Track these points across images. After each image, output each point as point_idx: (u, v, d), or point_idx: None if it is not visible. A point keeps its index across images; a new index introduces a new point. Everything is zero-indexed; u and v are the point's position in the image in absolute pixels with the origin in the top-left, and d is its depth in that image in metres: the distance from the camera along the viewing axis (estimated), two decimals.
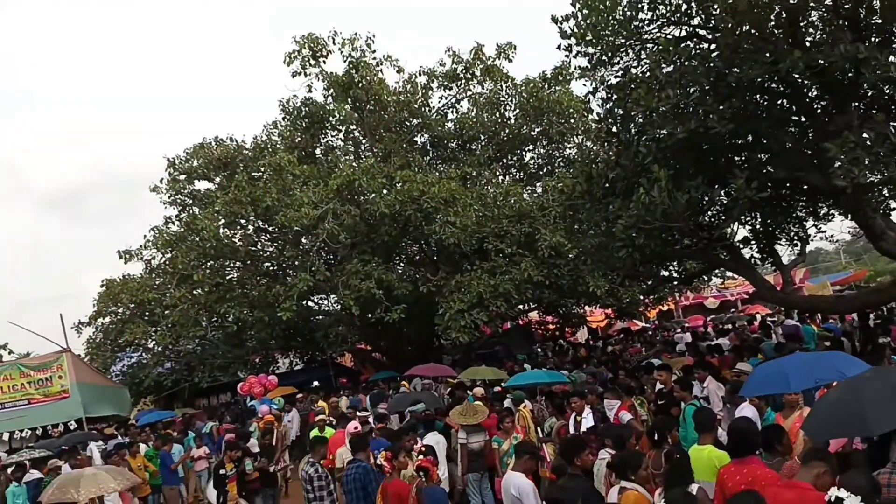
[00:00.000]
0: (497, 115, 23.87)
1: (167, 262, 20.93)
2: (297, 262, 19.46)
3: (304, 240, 19.97)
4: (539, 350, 26.30)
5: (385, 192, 18.94)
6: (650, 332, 24.52)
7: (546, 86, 22.80)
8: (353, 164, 19.87)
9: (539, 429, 10.41)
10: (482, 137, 24.10)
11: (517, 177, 24.69)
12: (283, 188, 19.30)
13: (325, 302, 23.00)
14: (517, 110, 23.63)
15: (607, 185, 10.75)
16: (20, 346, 36.04)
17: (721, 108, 8.82)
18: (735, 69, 8.63)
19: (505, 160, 24.66)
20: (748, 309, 29.30)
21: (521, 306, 21.08)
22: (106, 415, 22.08)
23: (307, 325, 22.85)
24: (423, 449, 8.35)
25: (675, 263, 16.01)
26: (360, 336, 23.36)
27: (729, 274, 22.38)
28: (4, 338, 37.19)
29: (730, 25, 8.36)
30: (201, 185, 24.39)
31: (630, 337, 23.83)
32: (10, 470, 14.66)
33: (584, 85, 12.16)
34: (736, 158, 10.65)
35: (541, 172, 24.97)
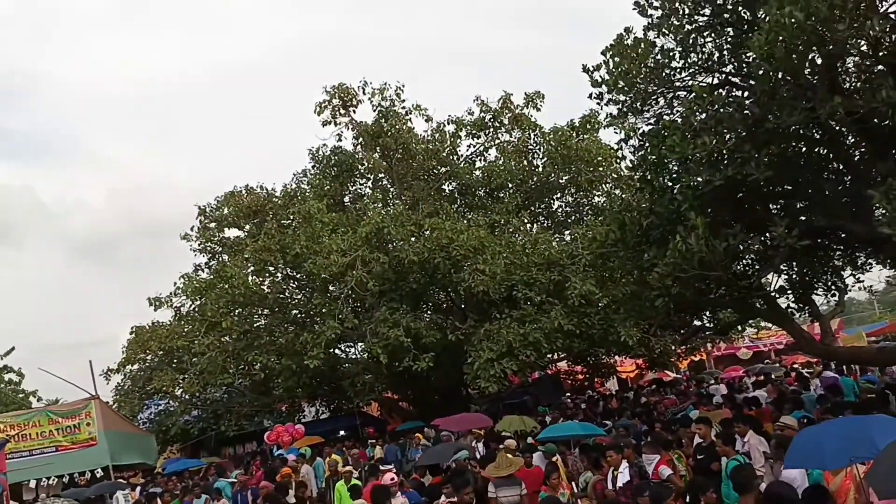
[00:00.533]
0: (525, 163, 23.94)
1: (196, 310, 20.98)
2: (324, 310, 19.41)
3: (331, 287, 19.93)
4: (568, 401, 25.82)
5: (413, 239, 18.92)
6: (683, 384, 23.95)
7: (574, 134, 22.84)
8: (382, 211, 19.90)
9: (574, 483, 10.09)
10: (510, 185, 24.11)
11: (545, 225, 24.60)
12: (312, 236, 19.36)
13: (353, 350, 22.84)
14: (545, 158, 23.68)
15: (641, 233, 10.60)
16: (49, 394, 36.32)
17: (758, 155, 8.68)
18: (772, 115, 8.53)
19: (533, 208, 24.60)
20: (786, 360, 28.57)
21: (550, 355, 20.71)
22: (133, 462, 21.98)
23: (334, 373, 22.69)
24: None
25: (708, 313, 15.74)
26: (387, 385, 23.11)
27: (763, 324, 22.01)
28: (34, 384, 37.43)
29: (766, 72, 8.27)
30: (231, 233, 24.66)
31: (662, 388, 23.30)
32: None
33: (616, 132, 12.09)
34: (774, 206, 10.46)
35: (569, 220, 24.84)
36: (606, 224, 14.12)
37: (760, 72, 8.60)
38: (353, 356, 22.77)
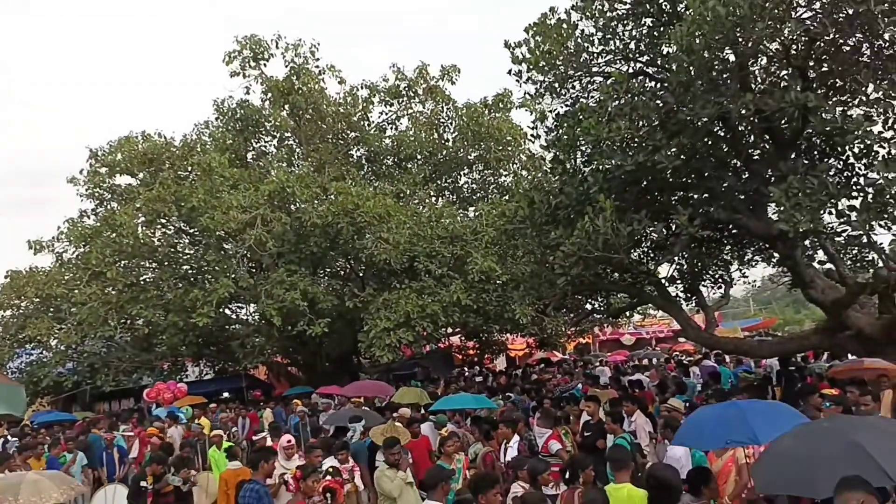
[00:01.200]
0: (435, 135, 23.84)
1: (79, 257, 19.83)
2: (217, 268, 18.77)
3: (227, 245, 19.31)
4: (465, 373, 26.05)
5: (318, 202, 18.52)
6: (570, 364, 24.64)
7: (487, 111, 22.89)
8: (287, 171, 19.35)
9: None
10: (418, 157, 23.98)
11: (450, 199, 24.61)
12: (211, 190, 18.63)
13: (244, 311, 22.21)
14: (456, 133, 23.65)
15: (549, 212, 10.70)
16: None
17: (669, 143, 8.90)
18: (685, 107, 8.74)
19: (439, 182, 24.56)
20: (674, 347, 29.86)
21: (445, 329, 20.80)
22: None
23: (223, 333, 22.04)
24: (331, 469, 7.99)
25: (600, 297, 16.19)
26: (278, 349, 22.65)
27: (650, 311, 22.85)
28: None
29: (684, 64, 8.44)
30: (122, 180, 23.37)
31: (550, 367, 23.88)
32: None
33: (530, 112, 12.14)
34: (676, 196, 10.78)
35: (474, 197, 24.94)
36: (516, 201, 14.25)
37: (677, 64, 8.78)
38: (244, 317, 22.14)
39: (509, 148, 23.39)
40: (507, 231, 14.40)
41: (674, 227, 10.13)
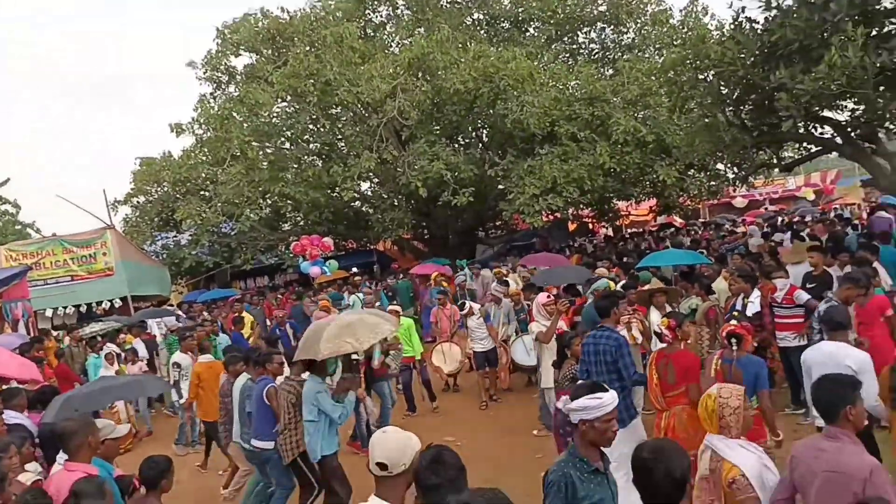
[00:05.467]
0: None
1: (217, 139, 19.88)
2: (357, 142, 18.63)
3: (367, 118, 19.02)
4: (573, 243, 25.74)
5: (457, 67, 17.89)
6: (700, 229, 24.02)
7: None
8: (427, 37, 18.60)
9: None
10: (537, 18, 22.86)
11: (578, 60, 23.54)
12: (344, 62, 18.20)
13: (378, 187, 22.13)
14: None
15: (764, 51, 9.95)
16: (50, 229, 34.97)
17: None
18: None
19: (561, 42, 23.47)
20: (823, 206, 28.56)
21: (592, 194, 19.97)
22: (148, 294, 21.58)
23: (355, 209, 22.23)
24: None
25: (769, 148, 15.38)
26: (408, 223, 22.71)
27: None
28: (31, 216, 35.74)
29: None
30: (239, 61, 23.11)
31: (678, 232, 23.34)
32: (86, 342, 14.33)
33: None
34: None
35: (593, 57, 23.80)
36: (685, 49, 13.43)
37: None
38: (379, 193, 22.11)
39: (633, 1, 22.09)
40: (679, 83, 13.70)
41: None
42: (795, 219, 20.84)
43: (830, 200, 30.16)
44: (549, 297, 8.98)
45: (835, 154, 20.74)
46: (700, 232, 22.37)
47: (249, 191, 18.87)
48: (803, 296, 8.42)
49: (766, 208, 32.91)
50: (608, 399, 3.42)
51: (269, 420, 6.77)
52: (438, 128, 18.96)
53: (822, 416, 3.61)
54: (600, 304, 6.41)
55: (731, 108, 13.02)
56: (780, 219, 21.73)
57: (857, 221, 17.20)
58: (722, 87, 11.44)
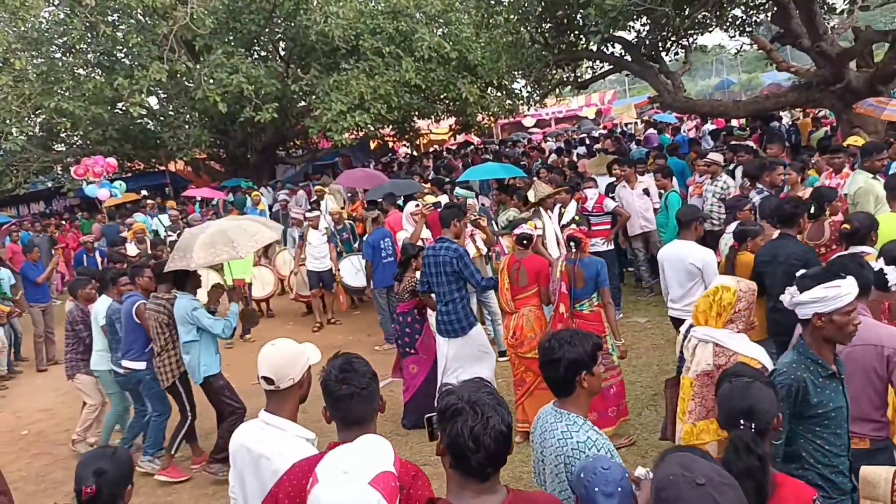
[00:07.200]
0: None
1: None
2: (143, 52, 17.00)
3: (152, 24, 17.33)
4: (375, 163, 25.70)
5: None
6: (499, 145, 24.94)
7: None
8: None
9: (494, 222, 10.26)
10: None
11: None
12: None
13: (172, 104, 20.39)
14: None
15: None
16: None
17: None
18: None
19: None
20: (606, 124, 30.52)
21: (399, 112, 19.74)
22: None
23: (141, 125, 20.46)
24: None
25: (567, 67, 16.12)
26: (211, 140, 21.28)
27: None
28: None
29: None
30: None
31: (478, 150, 24.11)
32: None
33: None
34: None
35: None
36: None
37: None
38: (170, 108, 20.44)
39: None
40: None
41: None
42: (582, 135, 22.23)
43: (611, 120, 32.48)
44: (417, 206, 8.99)
45: (614, 76, 22.33)
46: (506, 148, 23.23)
47: (18, 106, 16.66)
48: (611, 204, 9.12)
49: (549, 126, 34.92)
50: (848, 287, 3.00)
51: (141, 338, 6.32)
52: (235, 39, 17.77)
53: None
54: (443, 215, 6.46)
55: (534, 26, 13.49)
56: (572, 136, 23.03)
57: (639, 137, 18.70)
58: (525, 4, 11.69)
